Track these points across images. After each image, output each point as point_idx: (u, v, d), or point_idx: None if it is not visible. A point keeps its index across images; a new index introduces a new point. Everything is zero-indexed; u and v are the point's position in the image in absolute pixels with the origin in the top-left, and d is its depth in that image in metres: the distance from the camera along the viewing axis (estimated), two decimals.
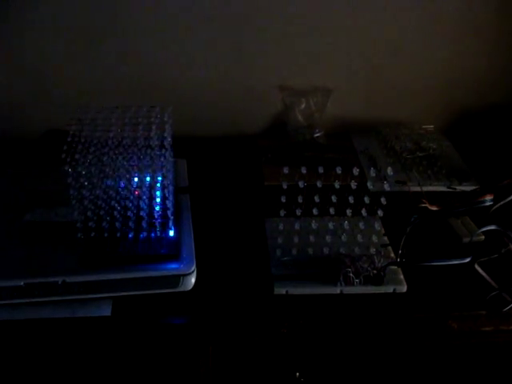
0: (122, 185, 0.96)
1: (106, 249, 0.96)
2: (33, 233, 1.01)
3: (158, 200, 0.97)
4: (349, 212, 1.01)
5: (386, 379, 1.09)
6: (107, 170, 0.93)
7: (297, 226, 1.03)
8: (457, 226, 1.12)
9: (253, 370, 1.04)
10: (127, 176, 0.95)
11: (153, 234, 0.98)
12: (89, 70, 1.30)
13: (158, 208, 0.97)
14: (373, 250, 1.02)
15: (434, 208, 1.13)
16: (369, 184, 0.99)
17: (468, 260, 1.03)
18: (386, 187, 0.98)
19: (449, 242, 1.10)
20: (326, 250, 1.03)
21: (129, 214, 0.96)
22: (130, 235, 0.97)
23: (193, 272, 0.96)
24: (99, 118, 0.98)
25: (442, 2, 1.31)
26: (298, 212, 1.01)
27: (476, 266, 1.03)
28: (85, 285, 0.93)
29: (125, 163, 0.94)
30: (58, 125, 1.19)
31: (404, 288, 1.00)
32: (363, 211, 1.01)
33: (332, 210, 1.01)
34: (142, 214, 0.96)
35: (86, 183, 0.93)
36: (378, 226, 1.05)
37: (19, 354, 0.97)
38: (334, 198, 0.99)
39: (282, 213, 1.01)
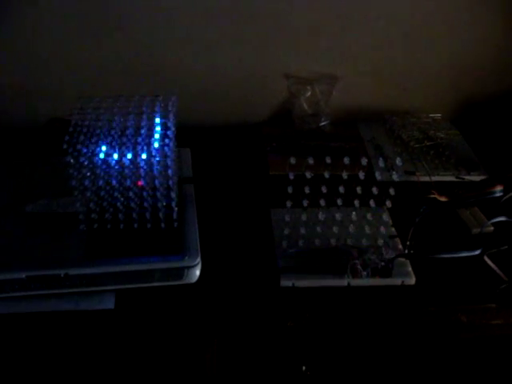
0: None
1: (109, 241, 0.95)
2: (35, 224, 1.00)
3: (162, 191, 0.95)
4: (356, 203, 0.99)
5: (393, 373, 1.08)
6: (110, 160, 0.92)
7: (303, 217, 1.01)
8: (466, 217, 1.11)
9: (259, 364, 1.03)
10: (130, 166, 0.93)
11: (156, 226, 0.96)
12: (91, 59, 1.28)
13: (161, 199, 0.95)
14: (381, 242, 1.01)
15: (443, 199, 1.11)
16: (377, 174, 0.98)
17: (478, 252, 1.02)
18: (395, 177, 0.96)
19: (458, 234, 1.09)
20: (333, 242, 1.01)
21: (132, 205, 0.95)
22: (134, 227, 0.96)
23: (197, 264, 0.95)
24: (102, 107, 0.97)
25: None
26: (305, 203, 0.99)
27: (485, 258, 1.02)
28: (88, 277, 0.93)
29: (128, 153, 0.92)
30: (60, 114, 1.18)
31: (412, 280, 0.99)
32: (371, 202, 1.00)
33: (339, 201, 0.99)
34: (145, 205, 0.95)
35: (88, 174, 0.92)
36: (386, 216, 1.04)
37: (21, 349, 0.96)
38: (341, 189, 0.98)
39: (289, 203, 0.99)
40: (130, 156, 0.92)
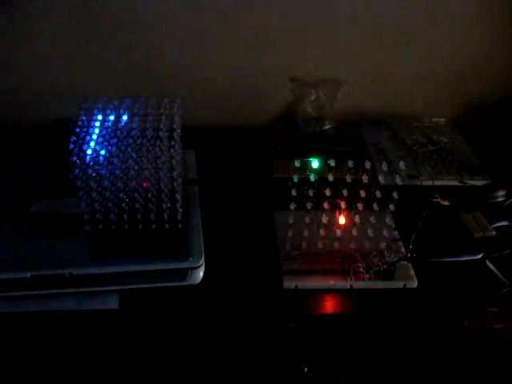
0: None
1: (114, 241, 0.95)
2: (40, 224, 1.00)
3: (167, 192, 0.95)
4: (360, 206, 1.00)
5: (395, 375, 1.08)
6: (115, 161, 0.92)
7: (307, 220, 1.02)
8: (468, 222, 1.11)
9: (261, 365, 1.03)
10: (135, 167, 0.94)
11: (161, 227, 0.97)
12: (96, 61, 1.29)
13: (166, 200, 0.95)
14: (383, 245, 1.01)
15: (446, 203, 1.12)
16: (380, 178, 0.98)
17: (479, 256, 1.02)
18: (398, 181, 0.97)
19: (460, 238, 1.09)
20: (336, 245, 1.01)
21: (137, 206, 0.95)
22: (138, 227, 0.96)
23: (201, 265, 0.95)
24: (108, 108, 0.97)
25: None
26: (309, 205, 0.99)
27: (487, 262, 1.02)
28: (92, 277, 0.93)
29: (133, 154, 0.92)
30: (66, 115, 1.18)
31: (414, 283, 0.99)
32: (374, 205, 1.00)
33: (343, 204, 0.99)
34: (150, 206, 0.95)
35: (93, 174, 0.92)
36: (388, 220, 1.04)
37: (24, 347, 0.96)
38: (344, 192, 0.98)
39: (292, 206, 1.00)
40: (135, 157, 0.93)
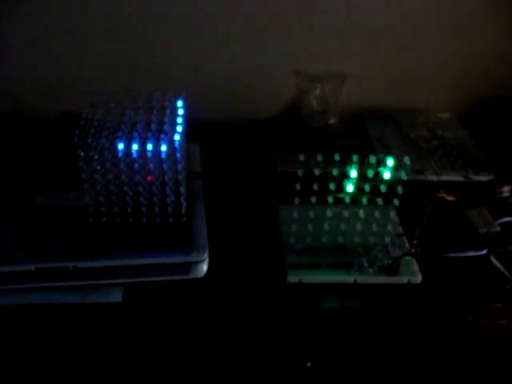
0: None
1: (118, 234, 0.96)
2: (44, 217, 1.00)
3: (171, 186, 0.95)
4: (364, 200, 0.99)
5: (398, 371, 1.08)
6: (120, 154, 0.92)
7: (311, 214, 1.01)
8: (473, 217, 1.11)
9: (264, 359, 1.03)
10: (140, 161, 0.93)
11: (165, 220, 0.97)
12: (102, 54, 1.29)
13: (170, 194, 0.95)
14: (388, 240, 1.01)
15: (451, 198, 1.12)
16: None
17: (484, 252, 1.02)
18: (403, 176, 0.96)
19: (465, 233, 1.09)
20: (340, 239, 1.01)
21: (141, 199, 0.95)
22: (142, 221, 0.96)
23: (205, 259, 0.95)
24: (112, 101, 0.97)
25: None
26: (313, 200, 0.99)
27: (492, 258, 1.02)
28: (96, 270, 0.93)
29: (138, 147, 0.92)
30: (70, 108, 1.19)
31: (419, 279, 0.99)
32: (379, 200, 1.00)
33: (347, 199, 0.99)
34: (154, 199, 0.95)
35: (98, 167, 0.92)
36: (393, 215, 1.04)
37: (28, 340, 0.96)
38: (349, 186, 0.98)
39: (297, 200, 0.99)
40: (139, 150, 0.93)
